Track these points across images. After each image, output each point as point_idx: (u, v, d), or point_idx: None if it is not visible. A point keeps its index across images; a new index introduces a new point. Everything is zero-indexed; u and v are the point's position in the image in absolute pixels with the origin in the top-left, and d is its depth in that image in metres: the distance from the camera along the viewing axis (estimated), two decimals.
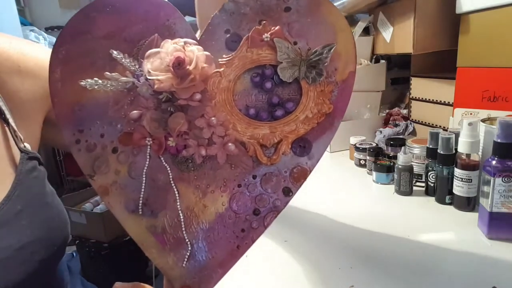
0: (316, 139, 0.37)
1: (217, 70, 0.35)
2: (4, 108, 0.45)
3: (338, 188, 0.85)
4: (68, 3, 2.35)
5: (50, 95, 0.35)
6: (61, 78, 0.34)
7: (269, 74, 0.35)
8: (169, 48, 0.34)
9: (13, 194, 0.42)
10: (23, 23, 1.87)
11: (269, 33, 0.35)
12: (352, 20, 1.12)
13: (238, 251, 0.37)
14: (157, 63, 0.34)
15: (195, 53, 0.33)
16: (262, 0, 0.35)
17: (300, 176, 0.37)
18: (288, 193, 0.37)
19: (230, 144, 0.35)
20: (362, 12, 1.12)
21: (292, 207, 0.73)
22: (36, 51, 0.49)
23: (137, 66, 0.35)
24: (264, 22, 0.35)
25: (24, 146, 0.46)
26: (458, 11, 0.81)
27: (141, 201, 0.36)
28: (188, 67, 0.33)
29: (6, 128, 0.45)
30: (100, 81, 0.34)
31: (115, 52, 0.34)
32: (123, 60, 0.34)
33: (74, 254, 1.18)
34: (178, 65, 0.33)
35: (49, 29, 2.27)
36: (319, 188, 0.85)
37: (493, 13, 0.74)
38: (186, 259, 0.36)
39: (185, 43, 0.34)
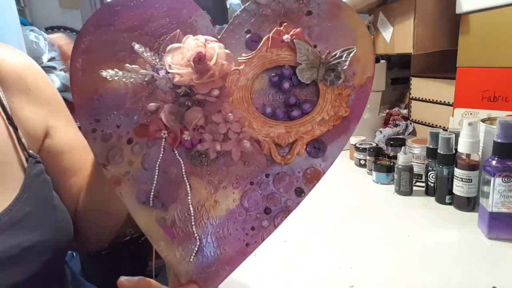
0: (331, 141, 0.37)
1: (236, 68, 0.36)
2: (11, 116, 0.46)
3: (338, 188, 0.85)
4: (68, 3, 2.35)
5: (71, 83, 0.36)
6: (82, 67, 0.35)
7: (287, 75, 0.36)
8: (191, 44, 0.34)
9: (22, 197, 0.44)
10: (23, 23, 1.87)
11: (290, 34, 0.35)
12: None
13: (247, 249, 0.37)
14: (178, 58, 0.34)
15: (216, 49, 0.34)
16: (284, 2, 0.36)
17: (313, 177, 0.37)
18: (300, 193, 0.37)
19: (245, 141, 0.35)
20: (362, 12, 1.12)
21: None
22: (49, 84, 0.53)
23: (157, 60, 0.35)
24: (285, 24, 0.36)
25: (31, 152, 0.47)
26: (458, 11, 0.82)
27: (152, 193, 0.36)
28: (208, 63, 0.34)
29: (14, 134, 0.46)
30: (120, 73, 0.35)
31: (137, 45, 0.35)
32: (144, 54, 0.35)
33: (74, 254, 1.18)
34: (199, 60, 0.33)
35: (49, 29, 2.27)
36: (319, 188, 0.85)
37: (493, 13, 0.75)
38: (194, 254, 0.36)
39: (206, 40, 0.35)
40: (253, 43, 0.36)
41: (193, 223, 0.36)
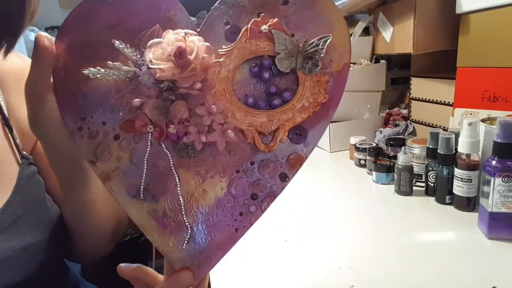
0: (311, 127, 0.38)
1: (217, 60, 0.36)
2: (8, 116, 0.47)
3: (338, 188, 0.85)
4: (68, 3, 2.35)
5: (53, 83, 0.36)
6: (64, 67, 0.36)
7: (267, 65, 0.37)
8: (171, 38, 0.35)
9: (14, 199, 0.44)
10: None
11: (268, 24, 0.36)
12: (352, 20, 1.13)
13: (236, 234, 0.38)
14: (158, 53, 0.35)
15: (195, 43, 0.35)
16: None
17: (296, 162, 0.38)
18: (285, 178, 0.39)
19: (229, 131, 0.37)
20: (362, 12, 1.13)
21: (292, 207, 0.73)
22: None
23: (138, 56, 0.36)
24: (263, 14, 0.37)
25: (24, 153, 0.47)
26: (458, 11, 0.82)
27: (142, 186, 0.37)
28: (189, 56, 0.34)
29: (9, 135, 0.46)
30: (102, 70, 0.35)
31: (117, 42, 0.35)
32: (125, 50, 0.36)
33: None
34: (180, 55, 0.34)
35: (49, 29, 2.27)
36: (319, 188, 0.85)
37: (493, 13, 0.75)
38: (186, 242, 0.37)
39: (186, 34, 0.35)
40: (232, 35, 0.37)
41: (183, 212, 0.37)
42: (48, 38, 0.34)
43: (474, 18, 0.79)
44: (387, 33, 1.02)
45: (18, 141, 0.47)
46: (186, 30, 0.36)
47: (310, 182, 0.88)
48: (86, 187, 0.43)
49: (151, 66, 0.35)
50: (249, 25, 0.37)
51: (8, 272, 0.41)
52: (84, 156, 0.37)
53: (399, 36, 0.98)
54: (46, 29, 2.26)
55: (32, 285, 0.43)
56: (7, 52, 0.39)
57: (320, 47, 0.37)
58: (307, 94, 0.37)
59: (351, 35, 1.07)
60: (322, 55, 0.37)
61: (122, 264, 0.37)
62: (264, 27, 0.36)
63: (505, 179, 0.56)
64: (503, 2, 0.72)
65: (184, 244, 0.37)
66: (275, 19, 0.36)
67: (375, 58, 1.11)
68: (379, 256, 0.56)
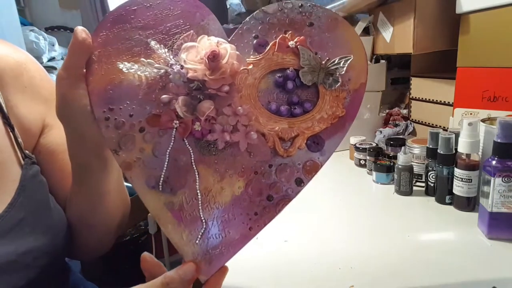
0: (329, 137, 0.41)
1: (245, 67, 0.40)
2: (8, 114, 0.46)
3: (338, 188, 0.85)
4: (68, 3, 2.35)
5: (86, 74, 0.38)
6: (98, 59, 0.39)
7: (291, 76, 0.40)
8: (205, 44, 0.38)
9: (16, 201, 0.43)
10: (23, 23, 1.87)
11: (294, 40, 0.40)
12: (352, 20, 1.13)
13: (250, 233, 0.40)
14: (192, 55, 0.38)
15: (228, 50, 0.38)
16: (289, 13, 0.41)
17: (312, 169, 0.41)
18: (300, 183, 0.41)
19: (252, 133, 0.39)
20: (362, 12, 1.13)
21: (292, 207, 0.73)
22: (48, 81, 0.53)
23: (171, 57, 0.39)
24: (290, 32, 0.41)
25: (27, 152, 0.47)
26: (458, 11, 0.82)
27: (162, 179, 0.39)
28: (221, 61, 0.37)
29: (11, 134, 0.45)
30: (136, 66, 0.38)
31: (153, 42, 0.39)
32: (159, 50, 0.39)
33: None
34: (213, 58, 0.37)
35: (49, 29, 2.27)
36: (319, 188, 0.85)
37: (493, 13, 0.75)
38: (199, 236, 0.39)
39: (218, 41, 0.39)
40: (260, 47, 0.41)
41: (200, 207, 0.39)
42: (86, 32, 0.37)
43: (474, 18, 0.80)
44: (387, 33, 1.02)
45: (20, 139, 0.47)
46: (218, 38, 0.39)
47: (310, 181, 0.88)
48: (103, 177, 0.45)
49: (185, 66, 0.38)
50: (277, 40, 0.40)
51: (10, 276, 0.40)
52: (107, 145, 0.39)
53: (399, 36, 0.98)
54: (46, 29, 2.26)
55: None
56: None
57: (341, 65, 0.40)
58: (326, 107, 0.41)
59: None
60: (342, 72, 0.40)
61: (147, 253, 0.38)
62: (291, 43, 0.40)
63: (505, 179, 0.56)
64: (503, 2, 0.72)
65: (198, 239, 0.39)
66: (302, 37, 0.40)
67: (375, 58, 1.11)
68: (379, 256, 0.56)
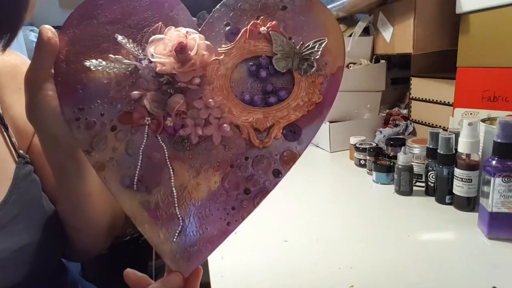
0: (306, 125, 0.40)
1: (216, 58, 0.38)
2: (2, 115, 0.46)
3: (338, 188, 0.85)
4: (68, 3, 2.35)
5: (54, 74, 0.37)
6: (65, 58, 0.37)
7: (264, 64, 0.39)
8: (173, 35, 0.37)
9: (10, 199, 0.43)
10: None
11: (266, 26, 0.38)
12: (352, 20, 1.13)
13: (228, 228, 0.39)
14: (160, 48, 0.36)
15: (196, 40, 0.36)
16: None
17: (289, 159, 0.40)
18: (278, 175, 0.40)
19: (225, 125, 0.38)
20: (362, 12, 1.13)
21: (292, 207, 0.73)
22: None
23: (140, 51, 0.37)
24: (262, 17, 0.39)
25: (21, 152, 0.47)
26: (458, 11, 0.82)
27: (136, 177, 0.38)
28: (189, 52, 0.36)
29: (5, 134, 0.45)
30: (104, 63, 0.37)
31: (120, 37, 0.37)
32: (127, 45, 0.37)
33: None
34: (180, 50, 0.36)
35: None
36: (319, 188, 0.85)
37: (493, 13, 0.75)
38: (177, 234, 0.38)
39: (187, 32, 0.37)
40: (232, 35, 0.39)
41: (176, 205, 0.38)
42: (52, 30, 0.36)
43: (474, 18, 0.79)
44: (387, 33, 1.02)
45: (14, 139, 0.47)
46: (187, 29, 0.37)
47: (310, 182, 0.88)
48: (80, 178, 0.43)
49: (152, 60, 0.36)
50: (248, 26, 0.38)
51: (4, 274, 0.40)
52: (79, 146, 0.38)
53: (399, 36, 0.98)
54: None
55: (29, 286, 0.43)
56: (5, 47, 0.39)
57: (315, 49, 0.39)
58: (302, 93, 0.39)
59: (350, 35, 1.07)
60: (317, 57, 0.39)
61: (129, 270, 0.37)
62: (262, 29, 0.38)
63: (505, 179, 0.56)
64: (503, 2, 0.72)
65: (175, 237, 0.38)
66: (274, 22, 0.39)
67: (375, 58, 1.11)
68: (379, 256, 0.56)
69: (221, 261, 0.55)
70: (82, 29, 0.37)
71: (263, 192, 0.39)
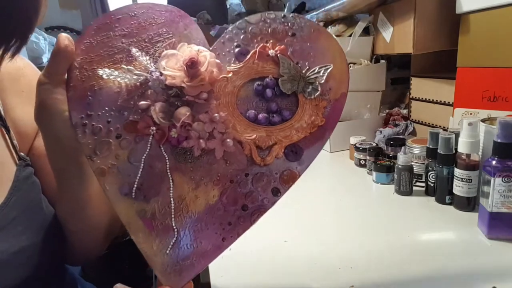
0: (307, 147, 0.41)
1: (225, 75, 0.39)
2: (4, 117, 0.46)
3: (338, 188, 0.85)
4: (68, 3, 2.35)
5: (67, 79, 0.38)
6: (79, 66, 0.38)
7: (271, 85, 0.40)
8: (185, 51, 0.38)
9: (9, 201, 0.44)
10: None
11: (275, 50, 0.40)
12: (352, 20, 1.13)
13: (222, 244, 0.39)
14: (172, 62, 0.38)
15: (207, 57, 0.38)
16: (271, 23, 0.41)
17: (289, 179, 0.40)
18: (277, 193, 0.40)
19: (228, 140, 0.38)
20: (362, 12, 1.13)
21: (292, 207, 0.73)
22: None
23: (152, 64, 0.39)
24: (272, 41, 0.41)
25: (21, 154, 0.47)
26: (458, 11, 0.82)
27: (135, 186, 0.38)
28: (199, 68, 0.37)
29: (7, 136, 0.46)
30: (116, 72, 0.38)
31: (134, 49, 0.39)
32: (140, 58, 0.39)
33: None
34: (191, 65, 0.37)
35: (49, 29, 2.27)
36: (319, 188, 0.85)
37: (493, 13, 0.75)
38: (170, 247, 0.38)
39: (199, 49, 0.38)
40: (241, 56, 0.40)
41: (172, 216, 0.38)
42: (69, 39, 0.38)
43: (474, 18, 0.79)
44: (387, 33, 1.02)
45: (15, 142, 0.47)
46: (199, 47, 0.39)
47: (310, 182, 0.88)
48: (82, 182, 0.44)
49: (163, 72, 0.37)
50: (257, 48, 0.40)
51: (3, 275, 0.40)
52: (83, 151, 0.38)
53: (399, 36, 0.98)
54: (46, 29, 2.26)
55: (29, 287, 0.43)
56: (14, 54, 0.40)
57: (321, 74, 0.40)
58: (306, 116, 0.40)
59: (350, 35, 1.07)
60: (322, 81, 0.40)
61: (119, 285, 0.37)
62: (271, 52, 0.40)
63: (505, 179, 0.56)
64: (503, 2, 0.72)
65: (169, 249, 0.38)
66: (282, 46, 0.40)
67: (375, 58, 1.11)
68: (379, 256, 0.56)
69: (221, 261, 0.55)
70: (98, 40, 0.39)
71: (261, 209, 0.40)
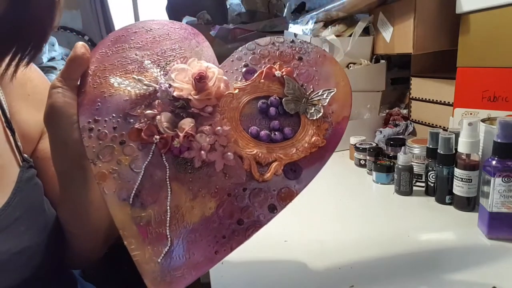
0: (307, 166, 0.41)
1: (231, 92, 0.41)
2: (10, 119, 0.48)
3: (338, 188, 0.85)
4: (68, 3, 2.34)
5: (79, 85, 0.40)
6: (93, 73, 0.40)
7: (275, 104, 0.41)
8: (195, 66, 0.40)
9: (12, 201, 0.44)
10: None
11: (281, 71, 0.42)
12: (352, 20, 1.13)
13: (215, 257, 0.39)
14: (181, 75, 0.39)
15: (215, 73, 0.40)
16: (279, 46, 0.44)
17: (286, 196, 0.41)
18: (273, 210, 0.40)
19: (229, 153, 0.39)
20: (362, 12, 1.12)
21: (292, 207, 0.73)
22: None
23: (162, 77, 0.40)
24: (279, 63, 0.43)
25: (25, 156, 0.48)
26: (458, 11, 0.82)
27: (134, 192, 0.38)
28: (207, 82, 0.38)
29: (11, 138, 0.46)
30: (127, 81, 0.40)
31: (146, 61, 0.40)
32: (152, 70, 0.40)
33: None
34: (199, 79, 0.38)
35: None
36: (319, 188, 0.85)
37: (493, 13, 0.75)
38: (162, 256, 0.38)
39: (207, 66, 0.40)
40: (248, 75, 0.42)
41: (167, 225, 0.38)
42: (86, 47, 0.40)
43: (474, 18, 0.79)
44: (387, 33, 1.02)
45: (19, 143, 0.48)
46: (209, 63, 0.40)
47: (311, 182, 0.88)
48: (84, 186, 0.44)
49: (172, 84, 0.39)
50: (264, 68, 0.41)
51: (4, 276, 0.41)
52: (87, 154, 0.39)
53: (399, 36, 0.98)
54: None
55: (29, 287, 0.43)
56: (30, 61, 0.41)
57: (324, 97, 0.42)
58: (307, 136, 0.41)
59: (350, 35, 1.07)
60: (325, 104, 0.41)
61: None
62: (277, 73, 0.42)
63: (505, 179, 0.56)
64: (503, 2, 0.72)
65: (161, 257, 0.38)
66: (289, 68, 0.42)
67: (375, 58, 1.11)
68: (379, 256, 0.56)
69: (221, 261, 0.55)
70: (114, 51, 0.41)
71: (256, 225, 0.40)
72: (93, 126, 0.39)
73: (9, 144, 0.47)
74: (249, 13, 1.77)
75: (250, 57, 0.43)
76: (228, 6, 1.89)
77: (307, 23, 1.16)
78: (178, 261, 0.38)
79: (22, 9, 0.38)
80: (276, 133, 0.41)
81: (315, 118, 0.41)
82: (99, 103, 0.40)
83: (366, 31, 1.11)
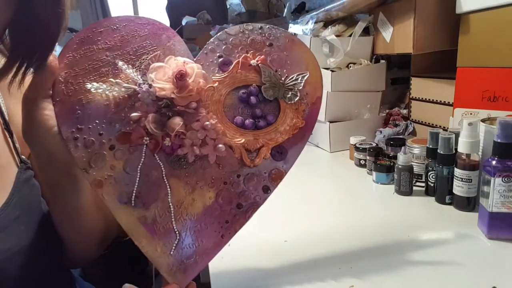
0: (291, 147, 0.44)
1: (211, 85, 0.42)
2: (8, 121, 0.48)
3: (338, 188, 0.85)
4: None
5: (52, 95, 0.39)
6: (64, 80, 0.39)
7: (254, 92, 0.43)
8: (173, 64, 0.40)
9: (11, 201, 0.45)
10: None
11: (256, 59, 0.44)
12: (352, 20, 1.13)
13: (222, 240, 0.42)
14: (160, 74, 0.39)
15: (194, 69, 0.40)
16: (250, 34, 0.45)
17: (277, 177, 0.44)
18: (267, 190, 0.43)
19: (220, 145, 0.41)
20: (362, 12, 1.13)
21: (292, 207, 0.74)
22: None
23: (139, 77, 0.40)
24: (252, 51, 0.44)
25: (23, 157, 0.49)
26: (458, 11, 0.82)
27: (134, 194, 0.39)
28: (187, 79, 0.39)
29: (9, 140, 0.47)
30: (104, 86, 0.39)
31: (120, 62, 0.40)
32: (127, 70, 0.40)
33: None
34: (180, 77, 0.39)
35: None
36: (319, 188, 0.85)
37: (493, 13, 0.75)
38: (174, 248, 0.40)
39: (184, 61, 0.40)
40: (224, 66, 0.44)
41: (173, 219, 0.40)
42: (52, 54, 0.38)
43: (474, 18, 0.79)
44: (387, 33, 1.02)
45: (17, 145, 0.48)
46: (185, 59, 0.41)
47: (310, 182, 0.88)
48: (74, 194, 0.44)
49: (153, 85, 0.39)
50: (240, 59, 0.43)
51: (4, 275, 0.41)
52: (77, 164, 0.39)
53: (399, 36, 0.98)
54: None
55: (27, 287, 0.43)
56: (38, 68, 0.41)
57: (299, 81, 0.44)
58: (288, 119, 0.44)
59: (351, 35, 1.07)
60: (300, 87, 0.44)
61: (127, 285, 0.38)
62: (253, 61, 0.43)
63: (505, 179, 0.56)
64: (503, 2, 0.72)
65: (172, 250, 0.40)
66: (262, 56, 0.44)
67: (375, 58, 1.11)
68: (379, 256, 0.56)
69: (221, 261, 0.55)
70: (81, 54, 0.40)
71: (254, 206, 0.43)
72: (77, 135, 0.39)
73: (7, 145, 0.47)
74: (249, 13, 1.77)
75: (223, 48, 0.44)
76: (228, 6, 1.90)
77: (307, 23, 1.16)
78: (189, 250, 0.40)
79: (29, 18, 0.38)
80: (260, 120, 0.43)
81: (293, 101, 0.44)
82: (78, 111, 0.39)
83: (366, 31, 1.11)
